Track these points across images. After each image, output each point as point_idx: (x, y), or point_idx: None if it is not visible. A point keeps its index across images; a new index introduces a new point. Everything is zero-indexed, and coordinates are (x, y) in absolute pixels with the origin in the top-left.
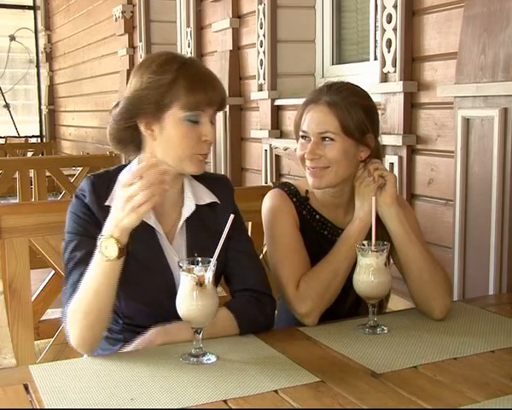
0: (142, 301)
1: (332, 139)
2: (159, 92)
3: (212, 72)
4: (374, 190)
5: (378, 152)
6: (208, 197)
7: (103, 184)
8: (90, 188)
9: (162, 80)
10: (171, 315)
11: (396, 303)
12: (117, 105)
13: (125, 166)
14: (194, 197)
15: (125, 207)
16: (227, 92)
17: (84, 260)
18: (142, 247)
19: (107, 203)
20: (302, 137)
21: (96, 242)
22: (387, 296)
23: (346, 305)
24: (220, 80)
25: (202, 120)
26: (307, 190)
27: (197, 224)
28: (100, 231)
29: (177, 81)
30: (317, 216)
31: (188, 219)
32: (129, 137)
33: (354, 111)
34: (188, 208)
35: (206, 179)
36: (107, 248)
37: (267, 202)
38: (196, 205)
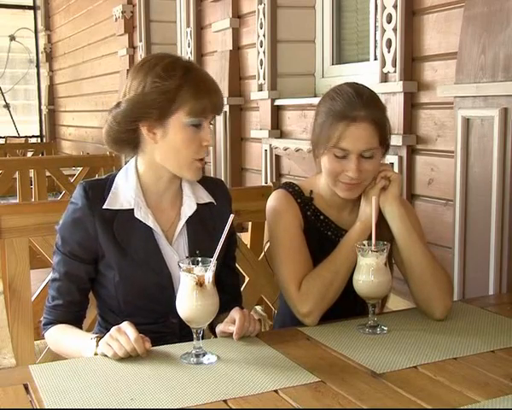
0: (140, 300)
1: (373, 155)
2: (165, 98)
3: (212, 77)
4: (376, 191)
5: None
6: (206, 197)
7: (96, 189)
8: (83, 193)
9: (168, 85)
10: (169, 313)
11: (396, 303)
12: (118, 106)
13: (116, 174)
14: (194, 196)
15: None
16: (227, 92)
17: (63, 278)
18: (139, 246)
19: (105, 207)
20: (339, 154)
21: (81, 249)
22: (386, 296)
23: (357, 309)
24: (220, 81)
25: (204, 125)
26: (311, 191)
27: (197, 223)
28: (93, 232)
29: (183, 87)
30: (322, 217)
31: (187, 219)
32: (128, 138)
33: (388, 124)
34: (189, 207)
35: (202, 181)
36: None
37: (271, 203)
38: (196, 204)
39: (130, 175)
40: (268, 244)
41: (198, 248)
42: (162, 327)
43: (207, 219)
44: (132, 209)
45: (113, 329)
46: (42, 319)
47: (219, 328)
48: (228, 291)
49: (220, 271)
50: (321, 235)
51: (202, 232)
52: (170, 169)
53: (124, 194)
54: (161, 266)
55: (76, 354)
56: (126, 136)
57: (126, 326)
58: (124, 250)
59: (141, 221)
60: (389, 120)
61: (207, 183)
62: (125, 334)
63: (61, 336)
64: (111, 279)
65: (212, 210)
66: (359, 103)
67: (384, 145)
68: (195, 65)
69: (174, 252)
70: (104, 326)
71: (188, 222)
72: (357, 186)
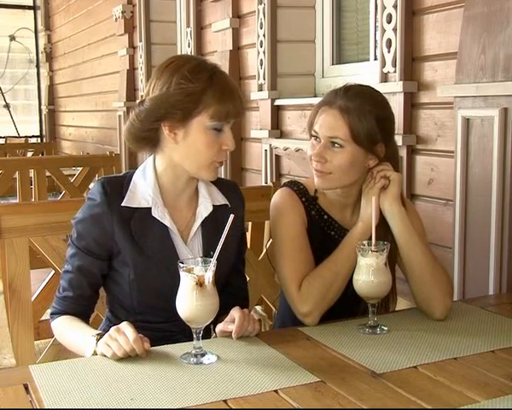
0: (153, 299)
1: (341, 146)
2: (190, 99)
3: (235, 82)
4: (376, 191)
5: (394, 158)
6: (221, 199)
7: (115, 186)
8: (101, 189)
9: (194, 88)
10: None
11: (396, 303)
12: (141, 104)
13: (133, 172)
14: (210, 198)
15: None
16: None
17: (75, 271)
18: (156, 245)
19: (124, 204)
20: (314, 137)
21: (97, 247)
22: (394, 298)
23: (357, 309)
24: None
25: (225, 129)
26: (316, 190)
27: (212, 224)
28: (110, 229)
29: (208, 90)
30: (325, 216)
31: (202, 219)
32: (148, 137)
33: (366, 120)
34: (205, 208)
35: (216, 183)
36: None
37: (275, 201)
38: (212, 205)
39: (148, 174)
40: (270, 242)
41: (212, 249)
42: (173, 326)
43: (221, 220)
44: (149, 208)
45: (112, 329)
46: (51, 308)
47: (219, 327)
48: (235, 293)
49: (230, 274)
50: (324, 234)
51: (216, 234)
52: (187, 169)
53: (141, 192)
54: (176, 265)
55: (77, 348)
56: (147, 134)
57: (125, 326)
58: (141, 249)
59: (158, 220)
60: (379, 122)
61: (222, 185)
62: (124, 334)
63: (66, 328)
64: (126, 277)
65: (226, 212)
66: (341, 94)
67: (360, 143)
68: (220, 69)
69: (189, 252)
70: (114, 322)
71: (203, 223)
72: (323, 175)
